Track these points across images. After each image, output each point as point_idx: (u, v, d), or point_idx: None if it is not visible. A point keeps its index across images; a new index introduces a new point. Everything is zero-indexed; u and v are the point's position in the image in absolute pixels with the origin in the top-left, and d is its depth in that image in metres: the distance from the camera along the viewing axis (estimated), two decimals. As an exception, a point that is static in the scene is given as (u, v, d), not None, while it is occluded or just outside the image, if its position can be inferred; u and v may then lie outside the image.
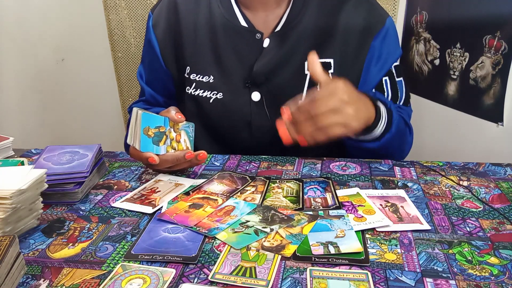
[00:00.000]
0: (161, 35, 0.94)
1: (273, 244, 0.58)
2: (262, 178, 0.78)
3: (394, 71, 0.93)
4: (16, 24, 1.83)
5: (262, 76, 0.88)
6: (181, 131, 0.79)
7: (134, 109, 0.75)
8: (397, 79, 0.94)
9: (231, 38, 0.89)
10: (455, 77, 1.29)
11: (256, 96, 0.89)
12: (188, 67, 0.92)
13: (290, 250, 0.57)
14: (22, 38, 1.85)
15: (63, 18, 1.79)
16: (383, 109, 0.79)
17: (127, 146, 0.96)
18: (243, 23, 0.89)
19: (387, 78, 0.92)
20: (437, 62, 1.36)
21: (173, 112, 0.78)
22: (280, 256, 0.56)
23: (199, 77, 0.91)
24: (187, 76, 0.93)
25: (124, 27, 1.59)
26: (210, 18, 0.90)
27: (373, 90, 0.93)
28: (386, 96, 0.93)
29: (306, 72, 0.88)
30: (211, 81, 0.91)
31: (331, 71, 0.88)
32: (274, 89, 0.89)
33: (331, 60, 0.88)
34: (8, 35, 1.84)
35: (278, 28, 0.87)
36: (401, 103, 0.95)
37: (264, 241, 0.59)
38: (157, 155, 0.73)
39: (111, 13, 1.57)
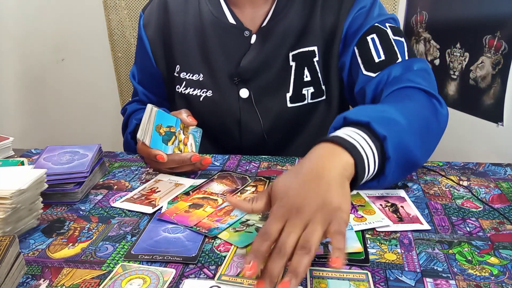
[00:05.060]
0: (151, 35, 0.94)
1: None
2: (262, 178, 0.78)
3: (388, 30, 0.81)
4: (16, 24, 1.83)
5: (249, 72, 0.88)
6: (189, 135, 0.80)
7: (149, 105, 0.75)
8: (394, 37, 0.80)
9: (219, 35, 0.89)
10: (455, 77, 1.29)
11: (244, 93, 0.90)
12: (178, 66, 0.93)
13: None
14: (22, 38, 1.85)
15: (63, 18, 1.79)
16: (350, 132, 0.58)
17: (126, 146, 0.96)
18: (231, 20, 0.88)
19: (374, 36, 0.81)
20: (437, 62, 1.36)
21: (184, 114, 0.79)
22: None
23: (189, 76, 0.92)
24: (177, 74, 0.93)
25: (124, 27, 1.59)
26: (199, 16, 0.90)
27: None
28: (376, 55, 0.79)
29: (291, 63, 0.88)
30: (200, 79, 0.91)
31: (316, 58, 0.88)
32: (261, 85, 0.89)
33: (315, 48, 0.87)
34: (8, 34, 1.84)
35: (264, 24, 0.88)
36: (405, 58, 0.79)
37: None
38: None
39: (111, 13, 1.57)
